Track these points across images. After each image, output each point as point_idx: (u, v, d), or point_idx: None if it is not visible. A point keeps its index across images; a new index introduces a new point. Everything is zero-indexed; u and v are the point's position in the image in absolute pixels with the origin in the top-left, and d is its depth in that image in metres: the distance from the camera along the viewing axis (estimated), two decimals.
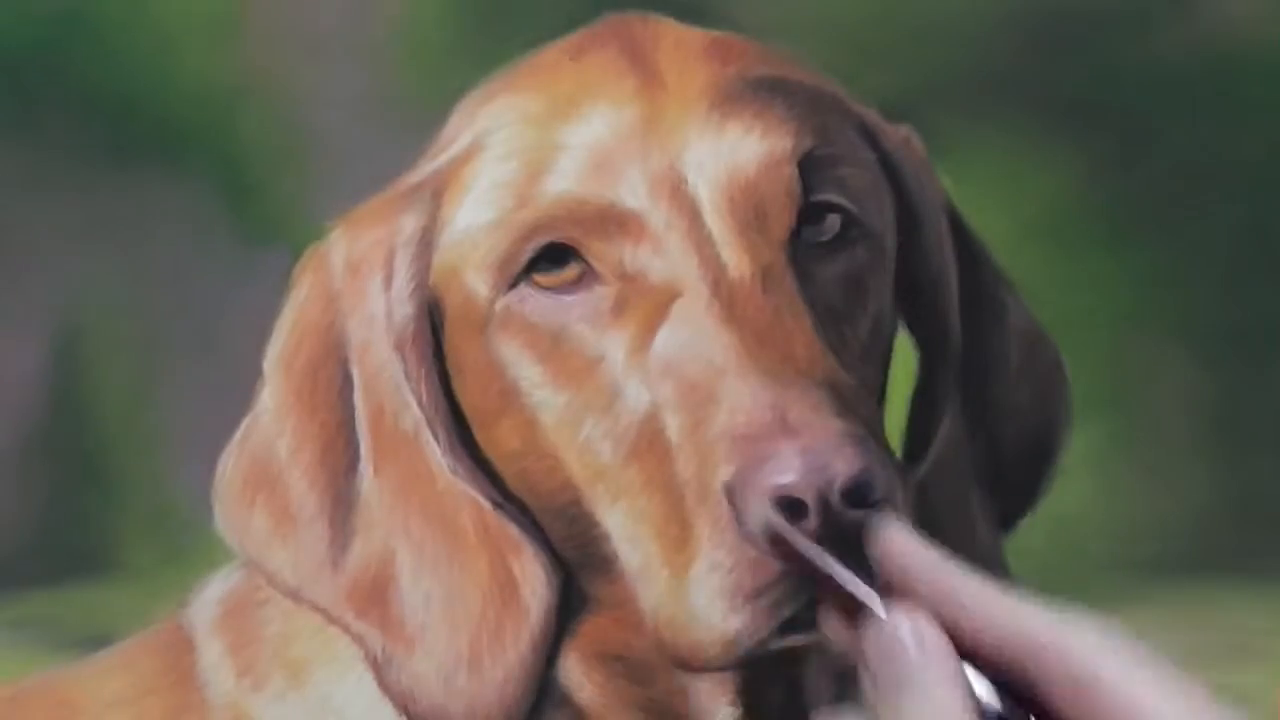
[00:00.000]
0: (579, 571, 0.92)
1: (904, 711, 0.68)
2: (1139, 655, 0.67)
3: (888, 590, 0.73)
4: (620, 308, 0.89)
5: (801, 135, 0.91)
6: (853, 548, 0.83)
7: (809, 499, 0.81)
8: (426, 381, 0.93)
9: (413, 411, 0.93)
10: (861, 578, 0.84)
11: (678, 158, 0.90)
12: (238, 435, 0.96)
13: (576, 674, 0.94)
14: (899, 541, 0.74)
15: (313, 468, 0.94)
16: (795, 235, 0.90)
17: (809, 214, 0.91)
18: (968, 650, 0.70)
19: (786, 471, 0.81)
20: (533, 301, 0.90)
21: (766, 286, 0.88)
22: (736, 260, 0.88)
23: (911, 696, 0.68)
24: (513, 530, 0.92)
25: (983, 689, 0.69)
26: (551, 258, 0.90)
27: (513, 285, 0.91)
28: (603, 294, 0.90)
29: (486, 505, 0.92)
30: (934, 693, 0.68)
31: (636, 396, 0.87)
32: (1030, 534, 1.02)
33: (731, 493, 0.82)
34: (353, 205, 0.97)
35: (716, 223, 0.89)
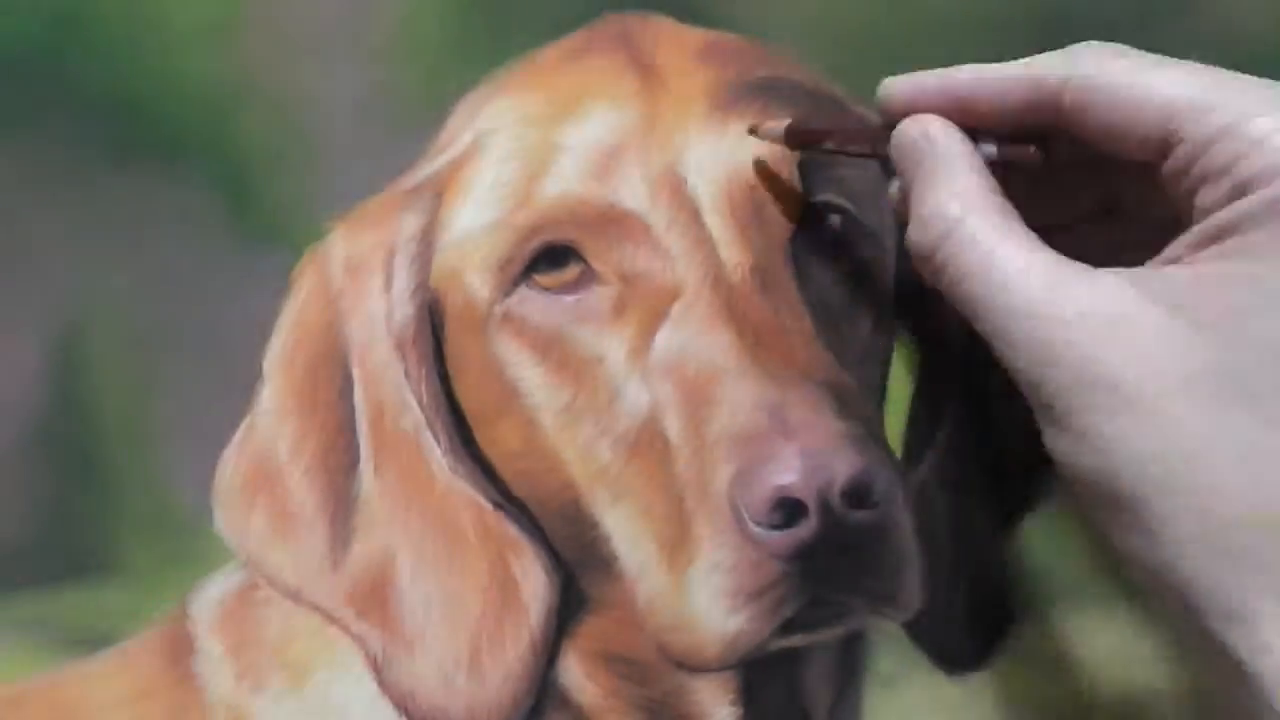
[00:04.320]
0: (579, 571, 0.92)
1: (926, 198, 0.70)
2: (1127, 50, 0.69)
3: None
4: (620, 308, 0.89)
5: None
6: (853, 548, 0.83)
7: (809, 499, 0.81)
8: (426, 382, 0.93)
9: (413, 412, 0.93)
10: (867, 580, 0.84)
11: (678, 158, 0.90)
12: (237, 436, 0.96)
13: (577, 674, 0.94)
14: (900, 81, 0.76)
15: (312, 468, 0.94)
16: (795, 236, 0.90)
17: (809, 214, 0.91)
18: (984, 115, 0.73)
19: (786, 472, 0.81)
20: (533, 302, 0.90)
21: (766, 287, 0.88)
22: (736, 261, 0.88)
23: (931, 182, 0.70)
24: (513, 530, 0.92)
25: (987, 149, 0.72)
26: (552, 258, 0.90)
27: (513, 286, 0.91)
28: (603, 294, 0.90)
29: (486, 505, 0.92)
30: (950, 174, 0.70)
31: (636, 397, 0.88)
32: (1030, 534, 1.02)
33: (732, 493, 0.82)
34: (353, 205, 0.97)
35: (716, 223, 0.89)
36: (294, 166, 0.97)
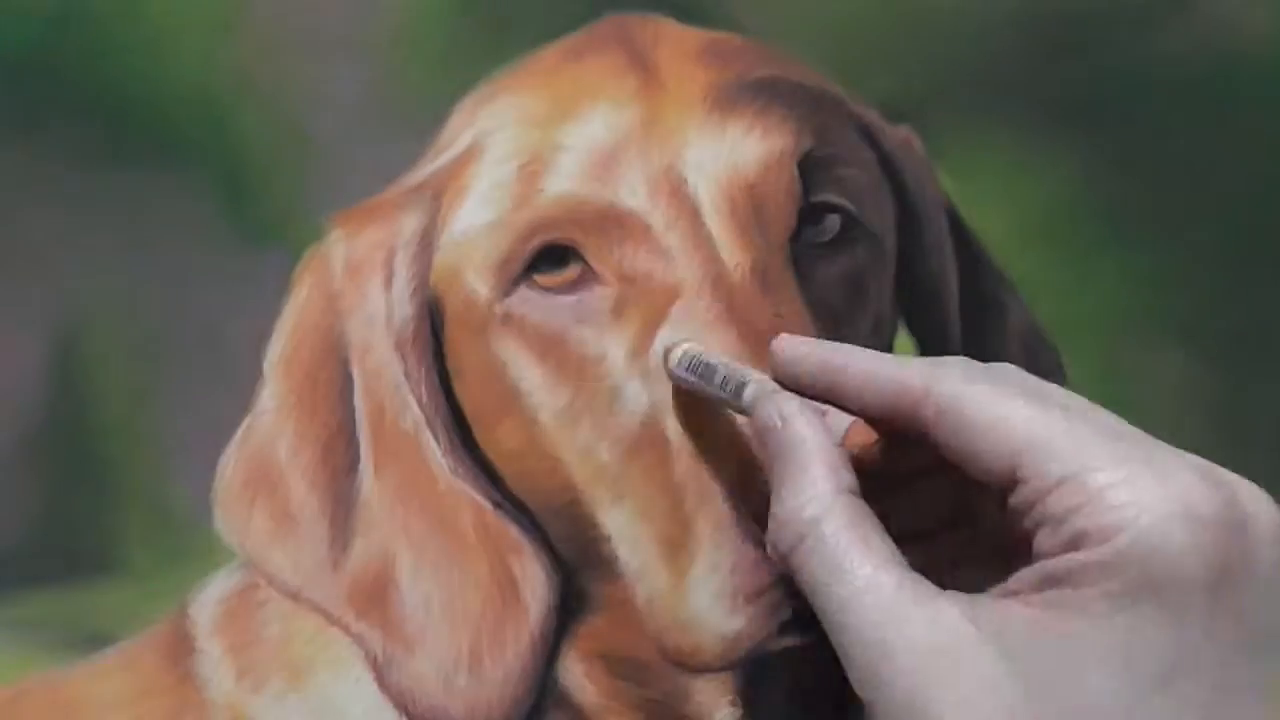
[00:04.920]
0: (579, 571, 0.92)
1: (784, 499, 0.69)
2: (997, 375, 0.69)
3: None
4: (620, 308, 0.89)
5: (801, 136, 0.91)
6: None
7: None
8: (426, 382, 0.93)
9: (413, 412, 0.93)
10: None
11: (678, 158, 0.90)
12: (237, 436, 0.96)
13: (577, 674, 0.94)
14: (790, 343, 0.76)
15: (313, 468, 0.94)
16: (795, 236, 0.90)
17: (809, 214, 0.91)
18: (855, 409, 0.72)
19: None
20: (533, 302, 0.90)
21: (766, 287, 0.88)
22: (736, 261, 0.88)
23: (787, 482, 0.70)
24: (513, 530, 0.92)
25: (837, 426, 0.72)
26: (552, 258, 0.90)
27: (513, 286, 0.91)
28: (603, 294, 0.90)
29: (486, 505, 0.92)
30: (805, 472, 0.70)
31: (636, 397, 0.87)
32: None
33: (731, 493, 0.82)
34: (353, 205, 0.97)
35: (716, 223, 0.89)
36: (293, 166, 0.97)
